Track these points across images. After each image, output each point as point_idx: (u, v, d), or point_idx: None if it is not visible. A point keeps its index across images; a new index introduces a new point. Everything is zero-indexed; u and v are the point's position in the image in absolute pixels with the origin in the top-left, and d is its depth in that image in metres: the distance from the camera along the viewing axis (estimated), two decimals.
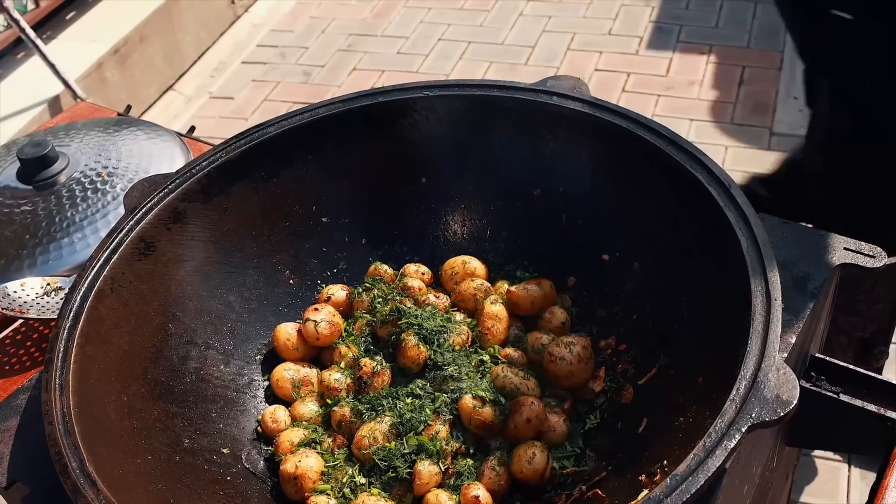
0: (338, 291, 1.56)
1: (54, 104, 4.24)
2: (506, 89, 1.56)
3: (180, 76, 5.09)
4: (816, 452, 2.81)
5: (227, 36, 5.42)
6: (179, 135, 2.05)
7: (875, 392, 1.39)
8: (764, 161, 3.96)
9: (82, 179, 1.84)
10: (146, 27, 4.78)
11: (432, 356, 1.40)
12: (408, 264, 1.59)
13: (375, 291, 1.53)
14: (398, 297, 1.50)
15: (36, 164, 1.84)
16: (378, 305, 1.50)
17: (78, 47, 4.58)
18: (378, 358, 1.44)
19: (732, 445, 1.01)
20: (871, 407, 1.38)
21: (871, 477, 2.74)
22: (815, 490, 2.77)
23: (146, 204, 1.45)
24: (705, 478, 0.98)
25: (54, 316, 1.59)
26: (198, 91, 4.99)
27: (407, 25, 5.29)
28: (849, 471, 2.82)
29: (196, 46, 5.20)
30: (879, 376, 1.39)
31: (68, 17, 4.86)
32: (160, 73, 4.94)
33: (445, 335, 1.42)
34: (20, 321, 1.67)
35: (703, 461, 1.00)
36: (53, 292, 1.63)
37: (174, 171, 1.53)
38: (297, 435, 1.37)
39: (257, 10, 5.63)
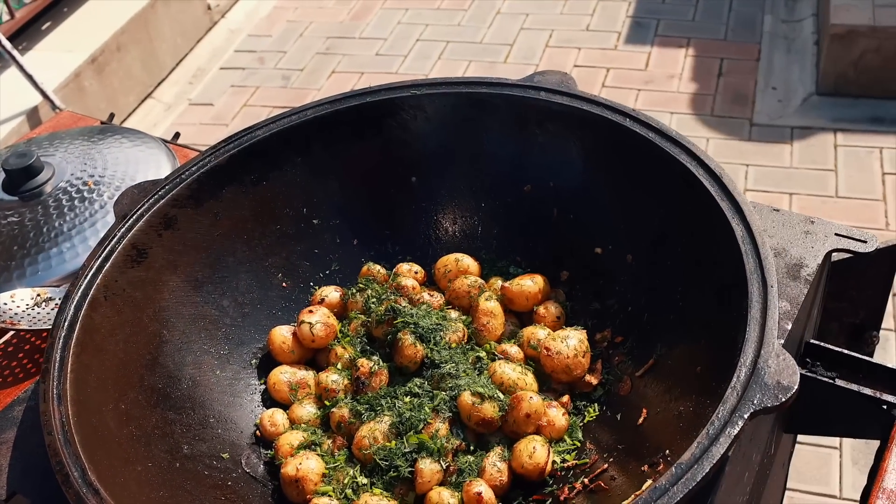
0: (331, 293, 1.55)
1: (33, 115, 4.21)
2: (493, 86, 1.56)
3: (159, 84, 5.07)
4: (808, 440, 2.83)
5: (204, 42, 5.40)
6: (164, 141, 2.04)
7: (870, 376, 1.40)
8: (745, 152, 3.99)
9: (69, 189, 1.82)
10: (123, 36, 4.76)
11: (429, 354, 1.40)
12: (400, 264, 1.59)
13: (369, 292, 1.52)
14: (393, 297, 1.49)
15: (21, 174, 1.82)
16: (372, 306, 1.49)
17: (55, 57, 4.55)
18: (375, 358, 1.43)
19: (736, 432, 1.01)
20: (867, 391, 1.38)
21: (863, 463, 2.77)
22: (808, 477, 2.79)
23: (137, 211, 1.44)
24: (710, 465, 0.99)
25: (46, 327, 1.58)
26: (177, 98, 4.97)
27: (385, 27, 5.29)
28: (840, 457, 2.84)
29: (173, 54, 5.18)
30: (874, 360, 1.40)
31: (44, 27, 4.83)
32: (138, 82, 4.92)
33: (441, 333, 1.42)
34: (11, 333, 1.66)
35: (707, 449, 1.01)
36: (44, 303, 1.62)
37: (162, 177, 1.53)
38: (296, 437, 1.36)
39: (234, 16, 5.62)
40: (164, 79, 5.11)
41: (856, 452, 2.84)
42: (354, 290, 1.54)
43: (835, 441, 2.87)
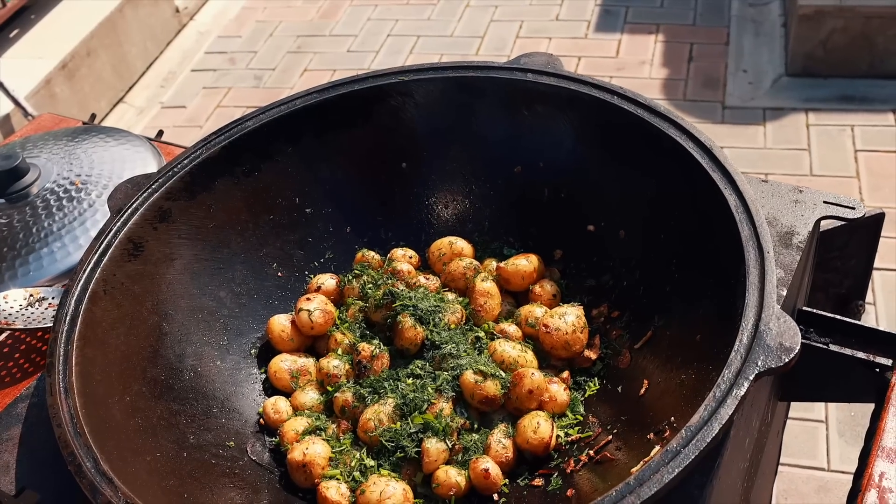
0: (327, 280, 1.56)
1: (5, 123, 4.18)
2: (480, 69, 1.57)
3: (130, 88, 5.04)
4: (795, 413, 2.86)
5: (173, 45, 5.37)
6: (149, 139, 2.03)
7: (862, 340, 1.42)
8: (719, 135, 4.02)
9: (56, 189, 1.82)
10: (92, 41, 4.73)
11: (429, 336, 1.41)
12: (394, 249, 1.60)
13: (365, 278, 1.53)
14: (390, 281, 1.50)
15: (7, 176, 1.82)
16: (370, 291, 1.50)
17: (24, 64, 4.51)
18: (375, 342, 1.44)
19: (742, 393, 1.03)
20: (861, 354, 1.40)
21: (850, 435, 2.81)
22: (796, 450, 2.82)
23: (131, 205, 1.44)
24: (720, 426, 1.00)
25: (41, 326, 1.58)
26: (149, 102, 4.95)
27: (354, 24, 5.28)
28: (826, 430, 2.87)
29: (144, 57, 5.15)
30: (866, 324, 1.43)
31: (12, 34, 4.78)
32: (110, 86, 4.89)
33: (441, 314, 1.43)
34: (6, 333, 1.66)
35: (715, 411, 1.02)
36: (37, 303, 1.62)
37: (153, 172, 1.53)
38: (301, 424, 1.37)
39: (202, 18, 5.59)
40: (136, 83, 5.09)
41: (842, 425, 2.87)
42: (350, 277, 1.55)
43: (821, 414, 2.91)
